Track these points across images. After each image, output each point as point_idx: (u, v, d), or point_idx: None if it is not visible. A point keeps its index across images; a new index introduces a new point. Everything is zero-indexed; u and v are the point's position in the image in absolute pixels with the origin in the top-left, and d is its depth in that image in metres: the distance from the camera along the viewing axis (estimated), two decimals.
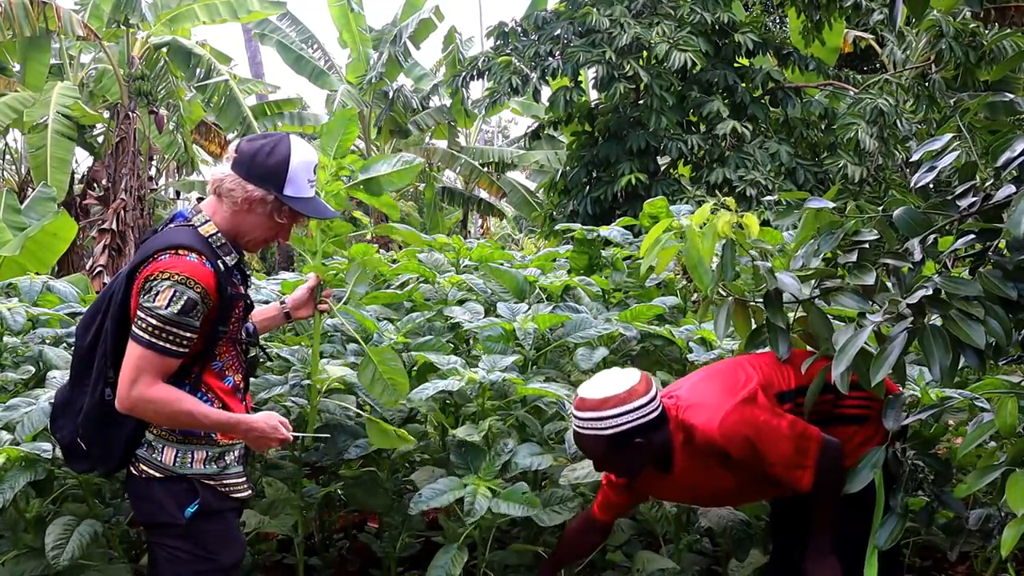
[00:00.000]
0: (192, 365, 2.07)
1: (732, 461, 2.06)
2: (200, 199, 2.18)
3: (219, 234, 2.09)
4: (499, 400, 2.87)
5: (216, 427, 2.07)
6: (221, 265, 2.06)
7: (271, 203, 2.07)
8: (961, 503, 2.32)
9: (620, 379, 2.09)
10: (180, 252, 2.00)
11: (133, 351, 1.98)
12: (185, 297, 1.96)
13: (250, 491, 2.23)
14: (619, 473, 2.19)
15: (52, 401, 2.29)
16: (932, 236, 2.06)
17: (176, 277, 1.96)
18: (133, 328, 1.99)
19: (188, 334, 1.99)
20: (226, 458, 2.14)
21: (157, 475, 2.07)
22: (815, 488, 2.07)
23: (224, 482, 2.13)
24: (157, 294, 1.96)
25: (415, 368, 3.13)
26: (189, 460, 2.08)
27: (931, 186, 2.22)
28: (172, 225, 2.12)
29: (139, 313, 1.98)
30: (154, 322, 1.95)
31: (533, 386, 2.76)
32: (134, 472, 2.11)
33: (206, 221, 2.09)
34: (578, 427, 2.10)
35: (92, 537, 2.47)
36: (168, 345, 1.97)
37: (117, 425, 2.07)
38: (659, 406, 2.09)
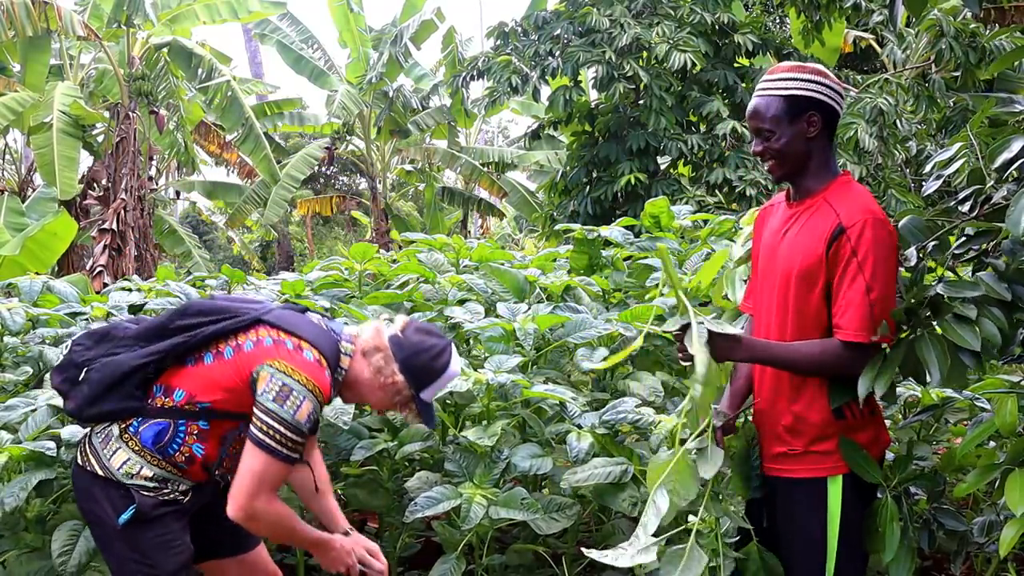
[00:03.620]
0: (189, 416, 2.02)
1: (830, 250, 1.94)
2: (293, 306, 2.21)
3: (344, 372, 2.10)
4: (503, 401, 2.87)
5: (308, 545, 2.16)
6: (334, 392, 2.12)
7: (405, 395, 2.09)
8: (959, 518, 2.31)
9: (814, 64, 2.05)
10: (323, 363, 2.00)
11: (257, 459, 1.93)
12: (316, 415, 1.98)
13: (193, 497, 2.11)
14: (777, 157, 2.03)
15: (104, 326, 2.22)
16: (933, 242, 2.07)
17: (317, 393, 1.96)
18: (257, 433, 1.93)
19: (304, 441, 2.00)
20: (170, 485, 2.05)
21: (100, 473, 2.02)
22: (837, 348, 1.93)
23: (163, 492, 2.04)
24: (294, 402, 1.93)
25: None
26: (134, 472, 2.02)
27: (935, 192, 2.23)
28: (324, 326, 2.12)
29: (267, 418, 1.93)
30: (288, 433, 1.92)
31: (539, 389, 2.76)
32: (79, 460, 2.07)
33: (348, 356, 2.10)
34: (761, 90, 2.02)
35: None
36: (293, 455, 1.96)
37: (122, 395, 2.02)
38: (842, 104, 2.02)
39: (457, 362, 2.14)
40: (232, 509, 1.96)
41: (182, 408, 2.01)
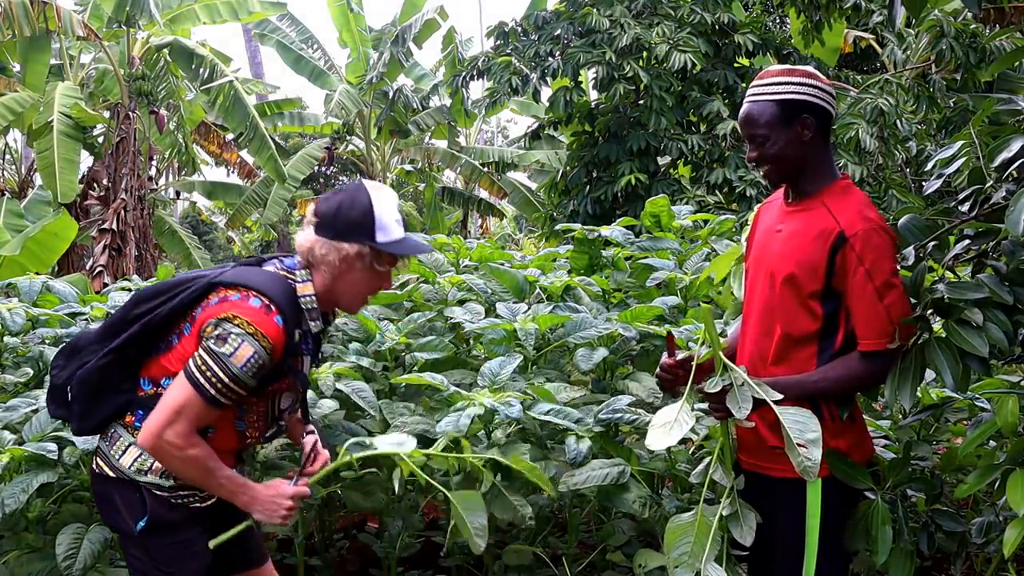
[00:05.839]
0: None
1: (834, 259, 1.93)
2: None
3: (313, 297, 2.00)
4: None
5: (223, 488, 1.96)
6: (297, 334, 1.98)
7: (368, 255, 1.97)
8: (958, 519, 2.30)
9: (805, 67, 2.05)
10: (272, 308, 1.91)
11: (181, 390, 1.88)
12: (259, 360, 1.88)
13: (213, 500, 2.03)
14: (773, 162, 2.02)
15: (71, 339, 2.16)
16: (933, 242, 2.07)
17: (260, 338, 1.87)
18: (191, 366, 1.89)
19: (243, 392, 1.92)
20: (186, 486, 2.01)
21: (111, 474, 1.99)
22: (850, 363, 1.94)
23: (179, 493, 2.00)
24: (232, 345, 1.87)
25: (415, 369, 3.13)
26: (146, 468, 1.97)
27: (935, 192, 2.23)
28: (277, 268, 2.03)
29: (203, 355, 1.88)
30: (220, 373, 1.87)
31: (543, 412, 2.67)
32: (93, 466, 2.04)
33: (307, 280, 2.00)
34: (752, 95, 2.01)
35: (103, 544, 2.47)
36: (222, 399, 1.89)
37: (108, 398, 1.98)
38: (834, 104, 2.02)
39: (377, 189, 1.99)
40: (142, 436, 1.90)
41: None
